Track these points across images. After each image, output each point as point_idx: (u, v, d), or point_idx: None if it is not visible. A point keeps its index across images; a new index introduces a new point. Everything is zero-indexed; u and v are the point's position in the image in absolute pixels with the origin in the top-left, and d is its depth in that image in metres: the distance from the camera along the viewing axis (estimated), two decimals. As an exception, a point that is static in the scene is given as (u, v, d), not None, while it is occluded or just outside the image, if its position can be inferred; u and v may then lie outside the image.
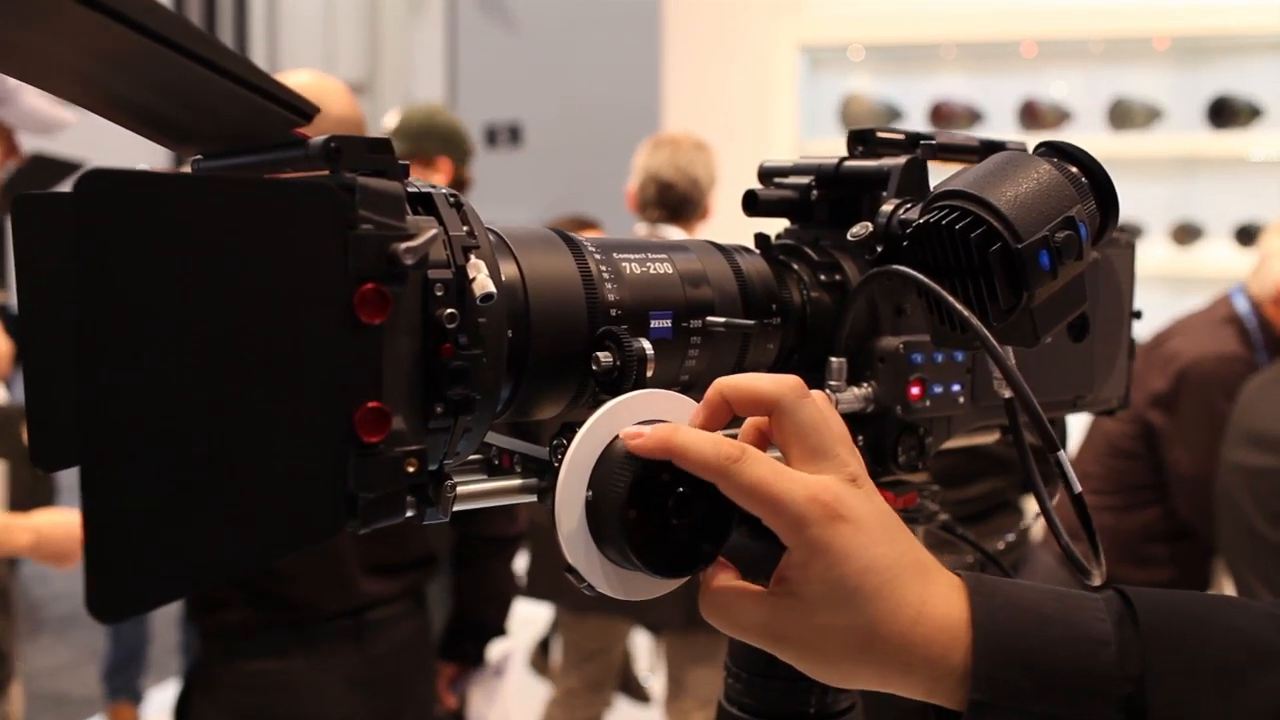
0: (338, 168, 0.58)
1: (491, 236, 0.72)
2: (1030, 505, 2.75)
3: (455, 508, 0.70)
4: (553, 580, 2.92)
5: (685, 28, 4.57)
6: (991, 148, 0.89)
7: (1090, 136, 4.29)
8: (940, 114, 4.41)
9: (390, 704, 2.04)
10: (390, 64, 9.04)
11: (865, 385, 0.85)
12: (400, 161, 0.67)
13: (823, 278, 0.85)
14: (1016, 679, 0.60)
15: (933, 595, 0.63)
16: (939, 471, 2.73)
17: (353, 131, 2.00)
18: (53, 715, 4.45)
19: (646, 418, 0.67)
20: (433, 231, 0.57)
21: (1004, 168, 0.74)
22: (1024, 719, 0.60)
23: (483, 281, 0.63)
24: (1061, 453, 0.70)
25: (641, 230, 2.93)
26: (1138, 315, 1.05)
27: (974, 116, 4.42)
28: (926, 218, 0.73)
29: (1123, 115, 4.27)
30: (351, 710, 1.98)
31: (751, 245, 0.87)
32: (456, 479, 0.70)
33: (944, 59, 4.69)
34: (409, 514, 0.68)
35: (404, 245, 0.55)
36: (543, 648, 3.74)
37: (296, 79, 1.94)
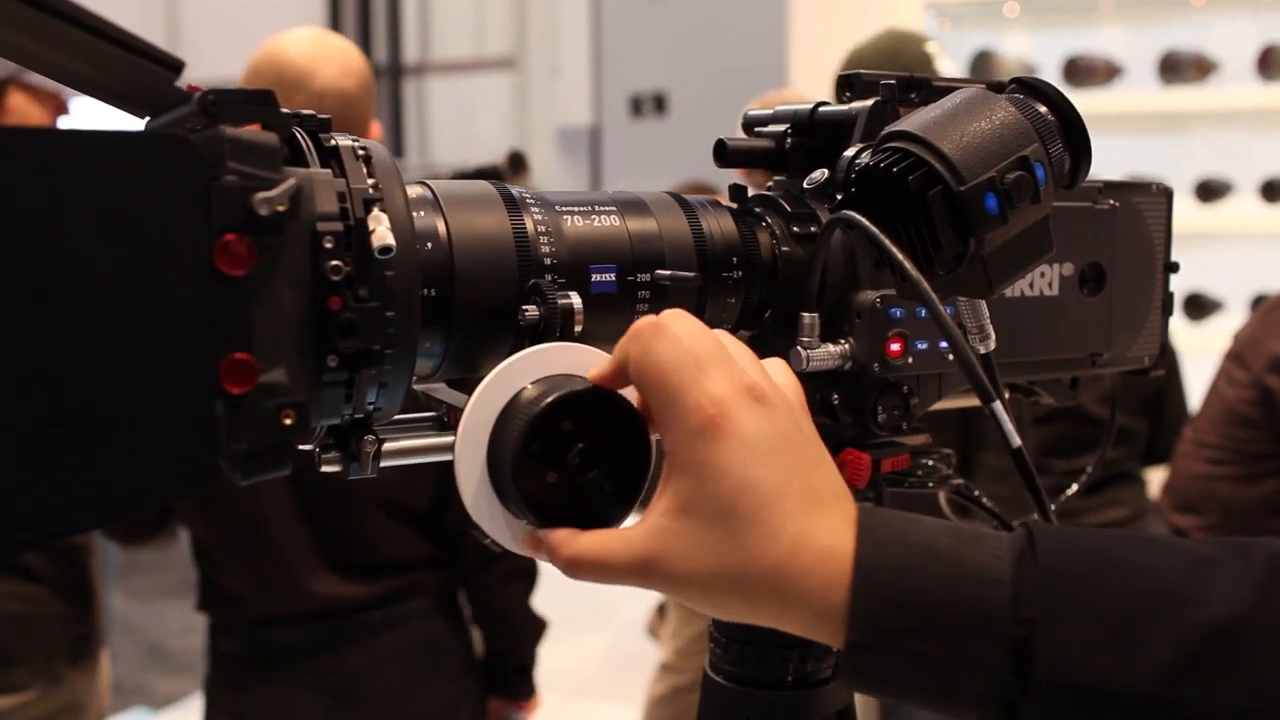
0: (216, 120, 0.58)
1: (427, 193, 0.72)
2: (1152, 475, 2.63)
3: (383, 463, 0.69)
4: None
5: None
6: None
7: (1238, 88, 4.05)
8: (1075, 69, 4.22)
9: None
10: (537, 36, 9.12)
11: (842, 342, 0.81)
12: (320, 115, 0.67)
13: (796, 229, 0.82)
14: (896, 618, 0.56)
15: (818, 525, 0.58)
16: (1047, 441, 2.64)
17: (345, 101, 1.95)
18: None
19: (554, 371, 0.65)
20: (290, 182, 0.56)
21: (958, 107, 0.69)
22: (904, 660, 0.56)
23: (381, 234, 0.62)
24: (998, 404, 0.66)
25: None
26: (1174, 268, 0.98)
27: (1112, 71, 4.22)
28: (868, 160, 0.69)
29: (1275, 63, 4.01)
30: None
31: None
32: (385, 435, 0.70)
33: (1084, 9, 4.49)
34: (335, 469, 0.69)
35: (260, 195, 0.55)
36: (660, 611, 3.75)
37: (295, 36, 1.88)
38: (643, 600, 4.09)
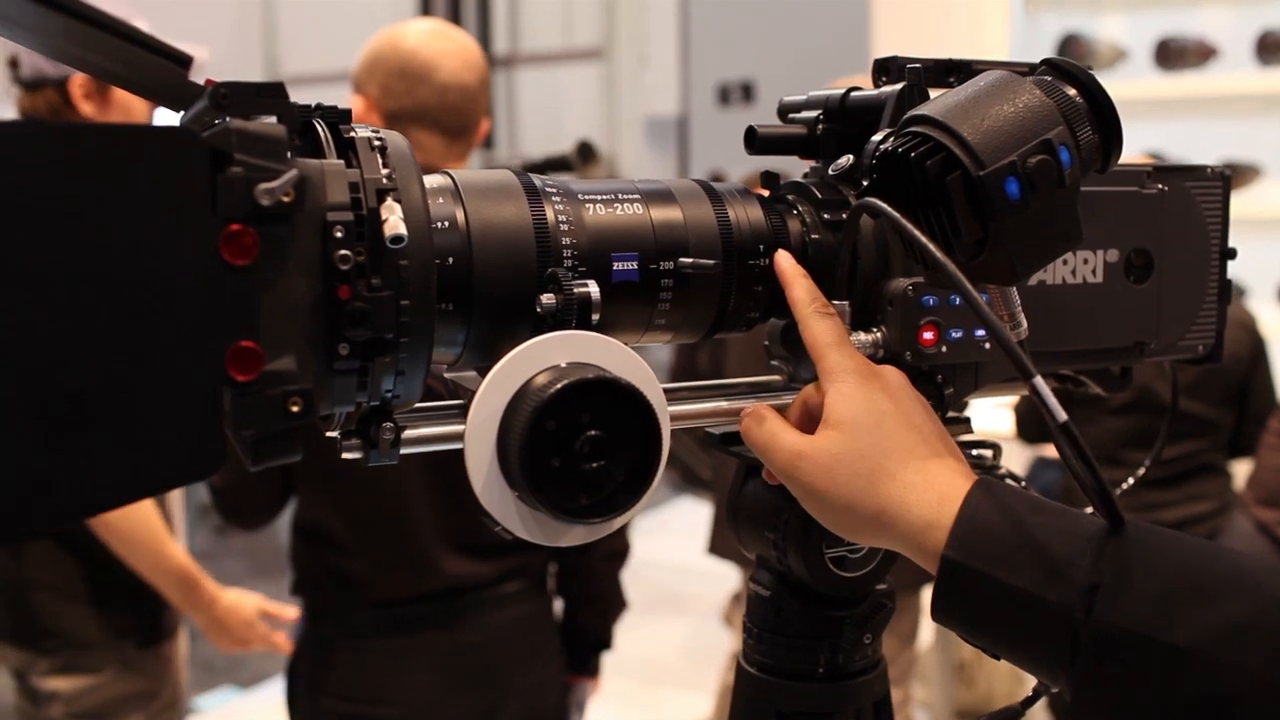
0: (227, 113, 0.59)
1: (448, 183, 0.72)
2: (1238, 469, 2.55)
3: (404, 450, 0.70)
4: (734, 542, 2.88)
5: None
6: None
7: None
8: (1167, 52, 4.10)
9: (486, 696, 1.88)
10: (625, 27, 9.13)
11: (874, 330, 0.80)
12: (341, 107, 0.68)
13: (827, 216, 0.81)
14: (990, 546, 0.65)
15: (950, 460, 0.71)
16: (1124, 432, 2.57)
17: (466, 94, 1.95)
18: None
19: (568, 359, 0.65)
20: (292, 173, 0.57)
21: (981, 91, 0.68)
22: (990, 585, 0.64)
23: (394, 223, 0.63)
24: (1039, 380, 0.64)
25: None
26: (1232, 255, 0.95)
27: (1207, 53, 4.09)
28: (889, 145, 0.68)
29: (1273, 48, 3.85)
30: (439, 700, 1.84)
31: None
32: (408, 422, 0.71)
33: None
34: (355, 456, 0.70)
35: (262, 186, 0.56)
36: (736, 600, 3.74)
37: (417, 28, 1.88)
38: (719, 587, 4.09)
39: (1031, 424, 2.49)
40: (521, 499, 0.64)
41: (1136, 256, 0.88)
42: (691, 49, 9.59)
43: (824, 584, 0.82)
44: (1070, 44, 4.22)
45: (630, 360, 0.67)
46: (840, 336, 0.74)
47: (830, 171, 0.77)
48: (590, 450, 0.63)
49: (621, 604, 2.10)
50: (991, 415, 2.75)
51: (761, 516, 0.85)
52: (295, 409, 0.59)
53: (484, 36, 9.06)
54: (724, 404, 0.79)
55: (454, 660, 1.85)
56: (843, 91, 0.82)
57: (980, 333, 0.82)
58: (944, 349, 0.80)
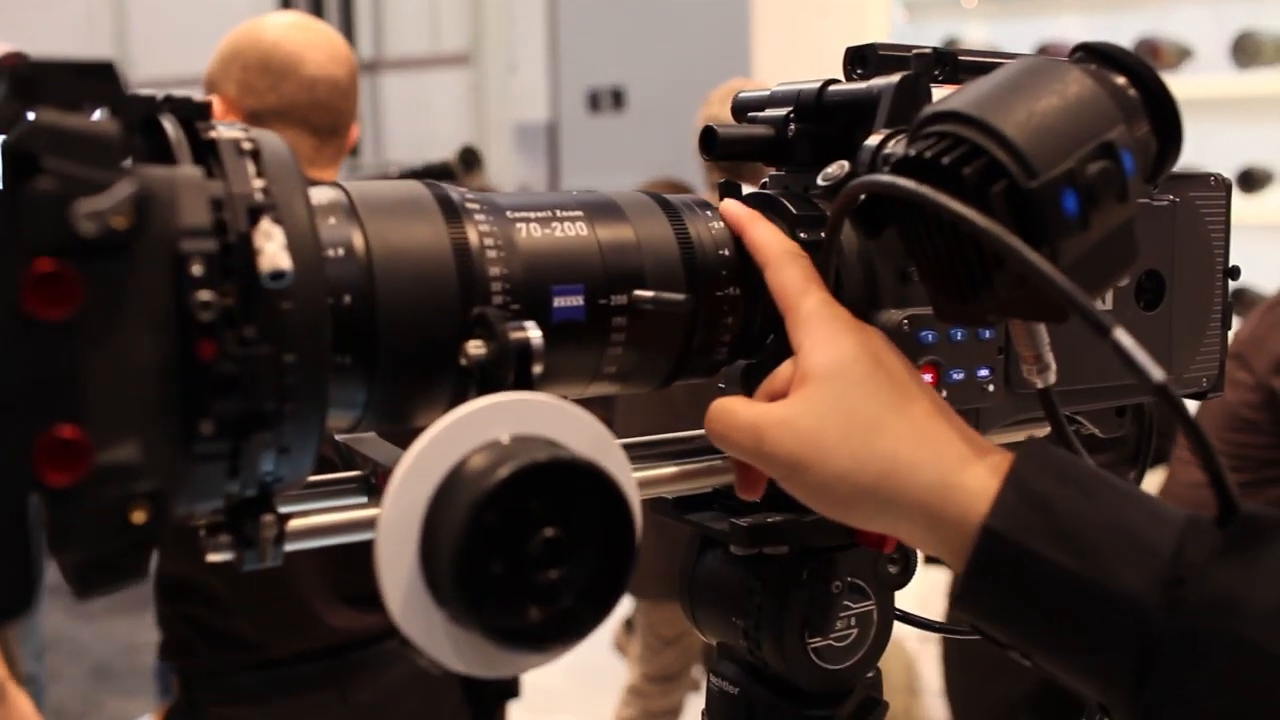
0: (34, 103, 0.42)
1: (341, 198, 0.56)
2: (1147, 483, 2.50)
3: (289, 547, 0.54)
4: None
5: (775, -24, 4.33)
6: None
7: (1214, 76, 3.93)
8: (1049, 57, 4.09)
9: None
10: (492, 32, 8.96)
11: (861, 372, 0.66)
12: (196, 100, 0.51)
13: (803, 235, 0.66)
14: (1048, 521, 0.52)
15: (961, 424, 0.58)
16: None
17: (337, 90, 1.78)
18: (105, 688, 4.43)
19: (510, 431, 0.49)
20: (126, 186, 0.40)
21: (1018, 80, 0.54)
22: (1038, 568, 0.52)
23: (272, 254, 0.46)
24: (1120, 331, 0.50)
25: (704, 193, 2.73)
26: (1234, 274, 0.83)
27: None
28: (909, 150, 0.54)
29: (1250, 50, 3.90)
30: None
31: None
32: (290, 510, 0.54)
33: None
34: (225, 557, 0.53)
35: (84, 205, 0.39)
36: (627, 626, 3.60)
37: (278, 20, 1.71)
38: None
39: None
40: (454, 619, 0.48)
41: (1147, 279, 0.76)
42: (561, 55, 9.44)
43: (806, 679, 0.68)
44: (952, 50, 4.18)
45: (589, 429, 0.52)
46: (815, 282, 0.61)
47: (820, 181, 0.63)
48: (544, 556, 0.47)
49: None
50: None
51: (726, 599, 0.70)
52: (140, 518, 0.42)
53: (348, 40, 8.78)
54: (689, 465, 0.65)
55: (344, 718, 1.68)
56: (818, 85, 0.68)
57: (984, 373, 0.69)
58: (943, 394, 0.67)
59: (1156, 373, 0.49)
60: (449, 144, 6.02)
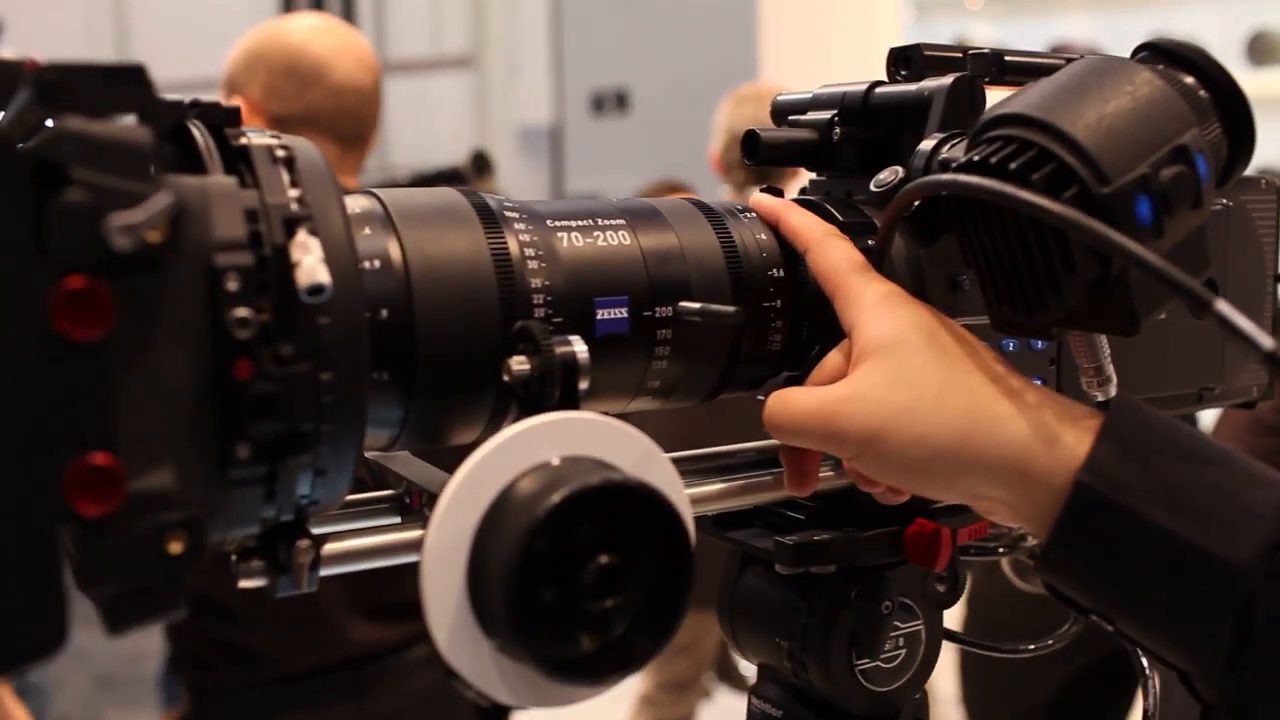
0: (61, 109, 0.39)
1: (376, 207, 0.54)
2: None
3: (324, 571, 0.51)
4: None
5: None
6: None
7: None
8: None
9: None
10: (496, 34, 8.94)
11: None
12: (225, 105, 0.48)
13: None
14: (1143, 478, 0.49)
15: (1036, 384, 0.56)
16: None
17: (363, 98, 1.75)
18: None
19: (560, 453, 0.47)
20: (164, 197, 0.38)
21: (1084, 80, 0.52)
22: (1134, 528, 0.49)
23: (310, 267, 0.44)
24: (1222, 303, 0.48)
25: (725, 195, 2.71)
26: (1281, 279, 0.81)
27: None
28: (971, 154, 0.52)
29: (1264, 49, 3.88)
30: None
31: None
32: (326, 532, 0.52)
33: (1065, -1, 4.35)
34: (258, 584, 0.51)
35: (117, 219, 0.36)
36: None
37: (303, 23, 1.67)
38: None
39: None
40: (503, 650, 0.46)
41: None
42: (564, 57, 9.41)
43: (853, 701, 0.66)
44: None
45: (638, 446, 0.50)
46: (861, 261, 0.59)
47: (873, 188, 0.60)
48: (598, 583, 0.45)
49: None
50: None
51: (769, 619, 0.68)
52: (176, 548, 0.39)
53: (350, 44, 8.75)
54: (737, 481, 0.62)
55: None
56: (865, 86, 0.66)
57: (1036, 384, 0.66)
58: (995, 406, 0.64)
59: (1266, 341, 0.47)
60: (452, 147, 5.99)
